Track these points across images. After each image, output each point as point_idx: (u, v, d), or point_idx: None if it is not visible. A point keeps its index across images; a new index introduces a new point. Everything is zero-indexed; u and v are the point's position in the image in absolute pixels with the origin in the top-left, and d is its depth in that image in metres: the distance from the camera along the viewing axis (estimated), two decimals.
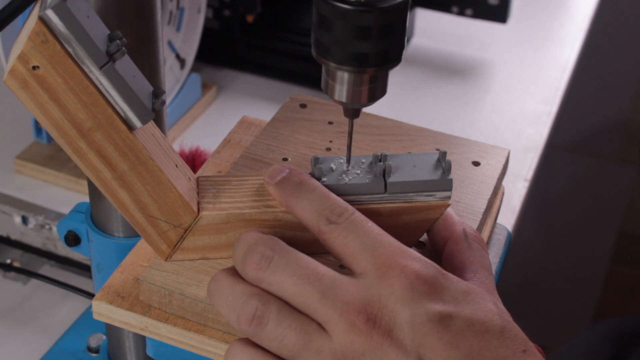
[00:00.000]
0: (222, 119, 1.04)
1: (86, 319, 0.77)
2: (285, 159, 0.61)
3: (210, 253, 0.53)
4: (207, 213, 0.51)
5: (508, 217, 0.91)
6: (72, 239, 0.66)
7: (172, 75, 0.98)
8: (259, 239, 0.48)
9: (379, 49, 0.47)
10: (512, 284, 1.75)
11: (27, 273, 0.81)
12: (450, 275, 0.48)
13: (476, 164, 0.61)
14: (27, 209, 0.84)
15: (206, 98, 1.06)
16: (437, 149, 0.62)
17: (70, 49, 0.44)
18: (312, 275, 0.46)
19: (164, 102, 0.49)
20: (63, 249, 0.82)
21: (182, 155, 0.92)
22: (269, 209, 0.51)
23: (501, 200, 0.63)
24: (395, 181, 0.51)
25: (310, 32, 0.49)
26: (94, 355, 0.74)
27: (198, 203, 0.52)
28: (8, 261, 0.83)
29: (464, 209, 0.57)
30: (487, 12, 1.12)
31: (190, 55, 1.01)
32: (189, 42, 1.00)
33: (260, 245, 0.48)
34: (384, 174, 0.51)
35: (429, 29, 1.22)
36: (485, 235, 0.60)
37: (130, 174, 0.49)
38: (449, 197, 0.52)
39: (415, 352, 0.44)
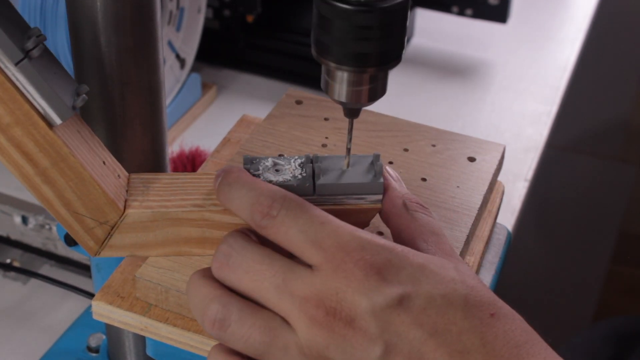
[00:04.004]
0: (222, 119, 1.04)
1: (86, 319, 0.77)
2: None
3: (139, 251, 0.52)
4: (132, 211, 0.50)
5: (508, 217, 0.91)
6: (72, 239, 0.66)
7: (172, 75, 0.98)
8: (225, 238, 0.47)
9: (379, 48, 0.47)
10: (512, 284, 1.75)
11: (27, 273, 0.81)
12: (404, 251, 0.46)
13: (472, 159, 0.61)
14: (27, 209, 0.84)
15: (206, 98, 1.06)
16: (433, 145, 0.62)
17: None
18: (266, 270, 0.46)
19: (85, 100, 0.48)
20: (63, 249, 0.82)
21: (182, 155, 0.92)
22: (195, 208, 0.50)
23: (501, 199, 0.63)
24: (324, 183, 0.50)
25: (310, 32, 0.49)
26: (93, 355, 0.74)
27: (125, 201, 0.51)
28: (8, 261, 0.83)
29: (459, 204, 0.57)
30: (487, 12, 1.12)
31: (190, 55, 1.01)
32: (189, 42, 1.00)
33: (223, 244, 0.47)
34: (314, 175, 0.50)
35: (429, 29, 1.22)
36: (484, 234, 0.60)
37: (52, 170, 0.49)
38: (380, 201, 0.50)
39: (380, 338, 0.44)
